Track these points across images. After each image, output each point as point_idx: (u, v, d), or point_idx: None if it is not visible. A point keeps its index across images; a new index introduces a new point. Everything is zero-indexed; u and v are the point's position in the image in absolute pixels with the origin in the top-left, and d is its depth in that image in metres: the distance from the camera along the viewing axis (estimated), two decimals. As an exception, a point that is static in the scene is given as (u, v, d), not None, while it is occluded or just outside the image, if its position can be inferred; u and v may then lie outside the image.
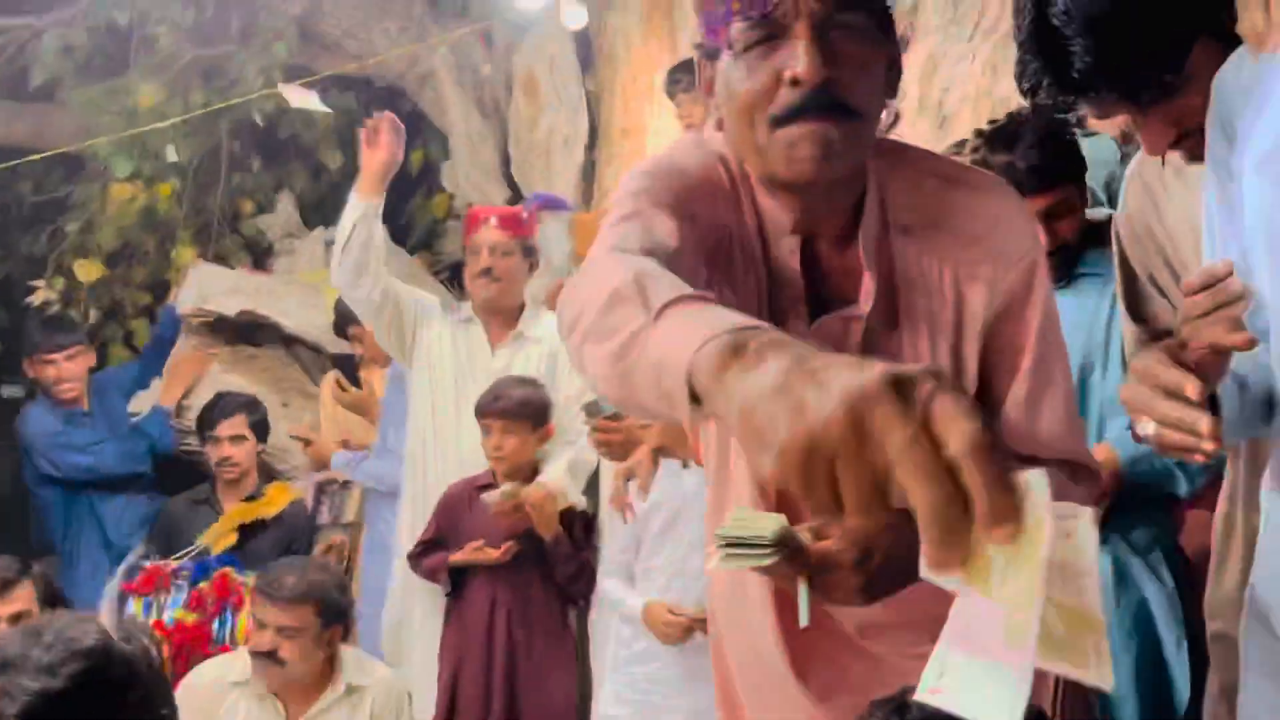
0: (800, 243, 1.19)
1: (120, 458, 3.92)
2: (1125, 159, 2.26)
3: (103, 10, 5.12)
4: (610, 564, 2.84)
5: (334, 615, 2.62)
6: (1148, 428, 1.04)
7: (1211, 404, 1.02)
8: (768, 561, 0.99)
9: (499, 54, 5.01)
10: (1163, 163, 1.41)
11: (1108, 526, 2.00)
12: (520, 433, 3.04)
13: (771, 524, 1.01)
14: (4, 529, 3.72)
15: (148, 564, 3.35)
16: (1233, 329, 1.00)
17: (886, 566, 1.01)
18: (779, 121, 1.06)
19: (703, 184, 1.15)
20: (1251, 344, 1.01)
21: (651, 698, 2.68)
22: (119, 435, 3.95)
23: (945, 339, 1.20)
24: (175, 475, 4.11)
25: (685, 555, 2.62)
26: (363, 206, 2.99)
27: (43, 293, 4.68)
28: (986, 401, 1.22)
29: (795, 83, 1.04)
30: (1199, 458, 1.04)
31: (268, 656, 2.46)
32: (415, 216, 5.81)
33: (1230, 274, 1.01)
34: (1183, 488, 2.03)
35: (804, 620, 1.03)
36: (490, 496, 2.99)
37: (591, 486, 3.28)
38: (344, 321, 3.90)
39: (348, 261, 3.02)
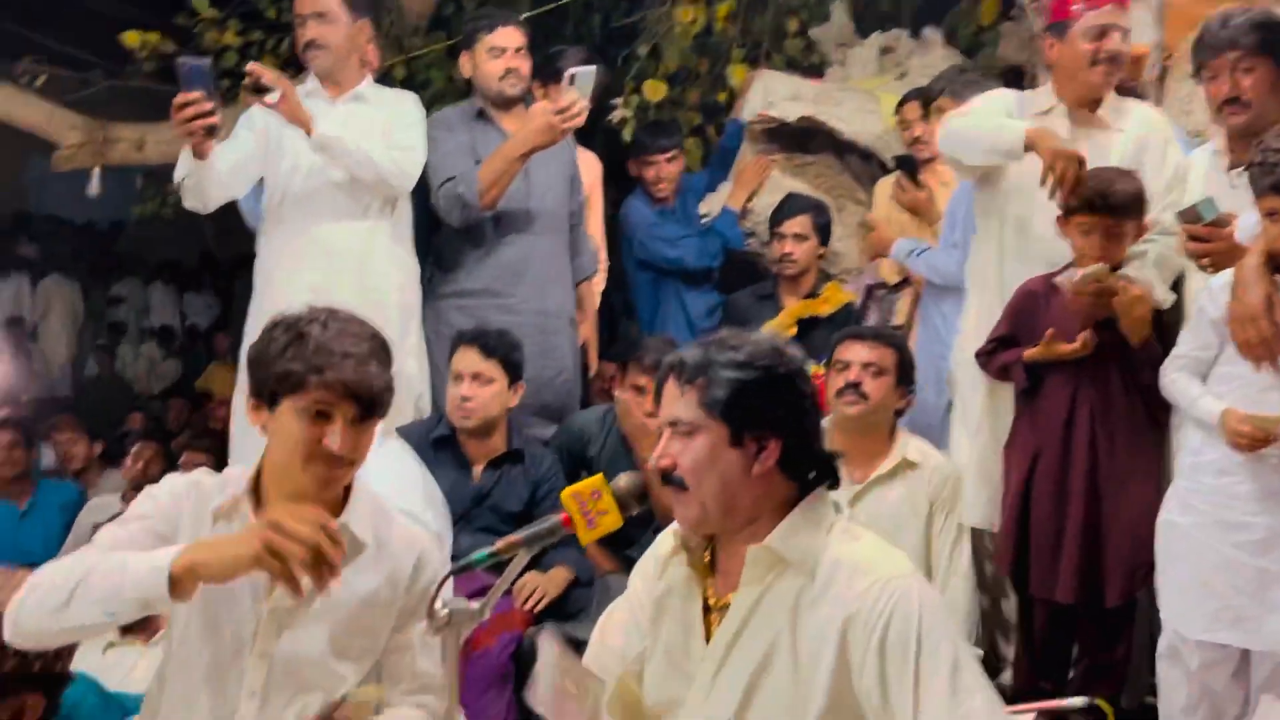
0: None
1: (699, 253, 4.31)
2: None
3: None
4: (1183, 357, 2.65)
5: (905, 371, 3.03)
6: None
7: None
8: None
9: None
10: None
11: None
12: (1126, 230, 2.86)
13: None
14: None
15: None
16: None
17: None
18: None
19: None
20: None
21: (1223, 512, 2.49)
22: (699, 233, 4.34)
23: None
24: (737, 273, 4.43)
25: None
26: None
27: (620, 111, 5.12)
28: None
29: None
30: None
31: (853, 388, 2.91)
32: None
33: None
34: None
35: None
36: (1070, 276, 2.85)
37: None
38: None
39: None
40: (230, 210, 3.64)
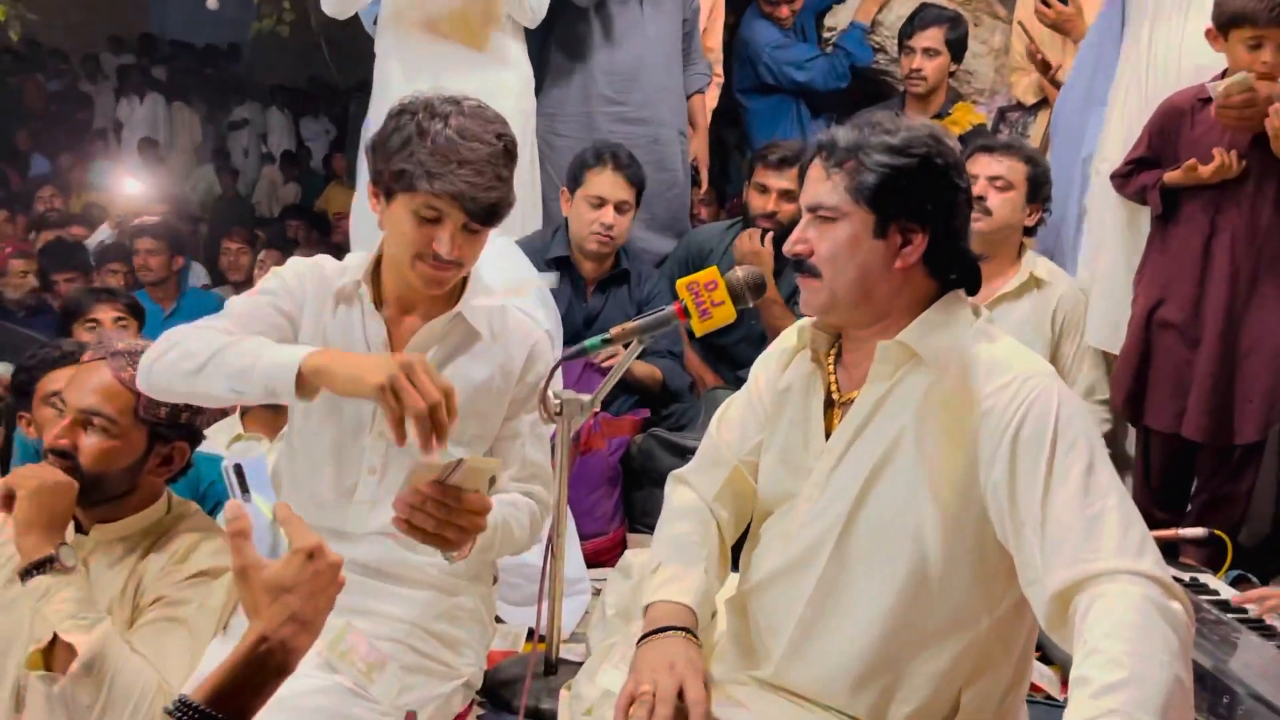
0: None
1: (828, 74, 4.14)
2: None
3: None
4: None
5: (1036, 188, 2.88)
6: None
7: None
8: None
9: None
10: None
11: None
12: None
13: None
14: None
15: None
16: None
17: None
18: None
19: None
20: None
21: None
22: (825, 54, 4.15)
23: None
24: (859, 91, 4.24)
25: None
26: None
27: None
28: None
29: None
30: None
31: (978, 203, 2.73)
32: None
33: None
34: None
35: None
36: (1219, 84, 2.63)
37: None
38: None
39: None
40: (349, 35, 3.59)
